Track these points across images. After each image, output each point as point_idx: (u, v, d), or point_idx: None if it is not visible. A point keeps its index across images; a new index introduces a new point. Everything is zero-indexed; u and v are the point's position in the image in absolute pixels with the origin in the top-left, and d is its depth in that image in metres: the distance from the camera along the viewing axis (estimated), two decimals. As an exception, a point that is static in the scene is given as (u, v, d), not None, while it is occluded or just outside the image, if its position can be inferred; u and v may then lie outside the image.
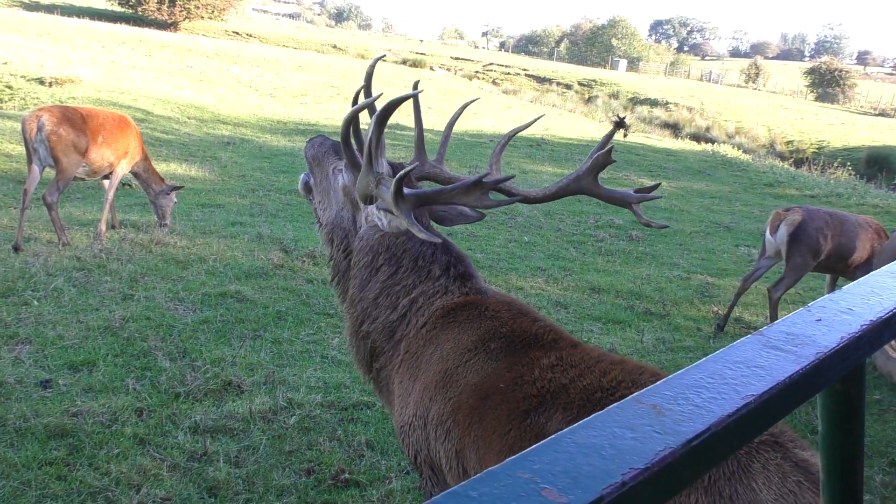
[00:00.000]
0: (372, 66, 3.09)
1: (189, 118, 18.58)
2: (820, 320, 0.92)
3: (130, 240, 8.28)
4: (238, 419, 4.73)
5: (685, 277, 9.41)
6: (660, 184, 3.48)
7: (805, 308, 0.96)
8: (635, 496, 0.60)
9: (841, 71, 69.51)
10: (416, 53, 56.94)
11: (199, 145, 15.60)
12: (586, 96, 47.41)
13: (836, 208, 11.41)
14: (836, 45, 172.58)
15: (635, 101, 45.44)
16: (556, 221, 11.96)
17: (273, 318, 6.50)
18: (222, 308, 6.59)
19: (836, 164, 25.23)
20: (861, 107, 60.56)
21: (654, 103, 44.52)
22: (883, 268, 1.16)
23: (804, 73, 72.24)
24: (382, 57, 3.44)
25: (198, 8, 50.93)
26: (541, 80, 52.44)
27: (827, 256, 7.36)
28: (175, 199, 9.13)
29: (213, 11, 52.33)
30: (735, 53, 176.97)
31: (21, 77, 18.59)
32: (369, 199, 2.90)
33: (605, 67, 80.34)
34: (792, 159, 30.63)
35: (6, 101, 16.53)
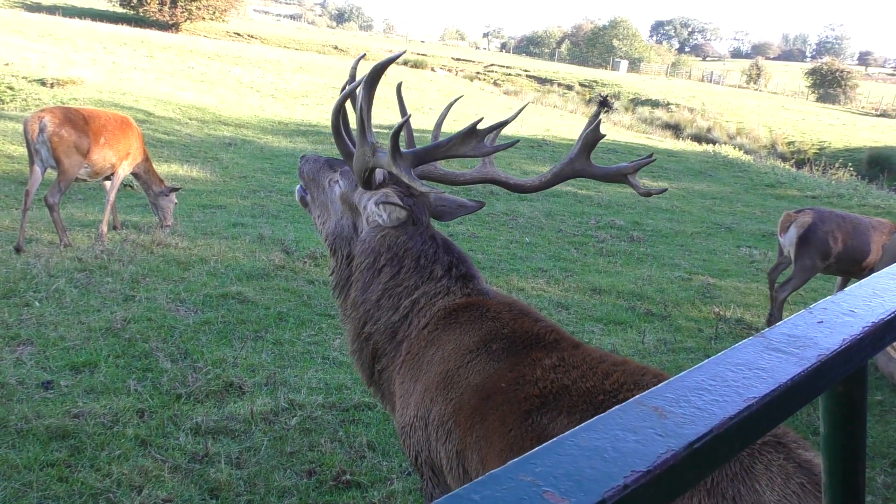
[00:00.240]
0: (355, 64, 3.13)
1: (190, 119, 18.59)
2: (822, 322, 0.92)
3: (132, 241, 8.29)
4: (239, 420, 4.73)
5: (686, 278, 9.41)
6: (653, 153, 3.48)
7: (807, 310, 0.96)
8: (637, 499, 0.60)
9: (842, 71, 69.46)
10: (418, 54, 56.89)
11: (201, 146, 15.61)
12: (587, 97, 47.41)
13: (838, 209, 11.40)
14: (837, 46, 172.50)
15: (636, 102, 45.43)
16: (557, 222, 11.97)
17: (274, 320, 6.50)
18: (223, 309, 6.60)
19: (837, 165, 25.20)
20: (862, 107, 60.54)
21: (655, 104, 44.51)
22: (885, 269, 1.16)
23: (805, 73, 72.21)
24: (363, 56, 3.46)
25: (199, 9, 50.92)
26: (542, 81, 52.44)
27: (838, 259, 7.37)
28: (175, 200, 9.14)
29: (214, 12, 52.33)
30: (736, 54, 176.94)
31: (23, 78, 18.60)
32: (368, 175, 2.90)
33: (606, 68, 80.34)
34: (793, 160, 30.61)
35: (8, 102, 16.55)
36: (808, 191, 18.90)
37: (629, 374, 2.32)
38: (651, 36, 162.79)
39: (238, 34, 54.53)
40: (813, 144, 34.60)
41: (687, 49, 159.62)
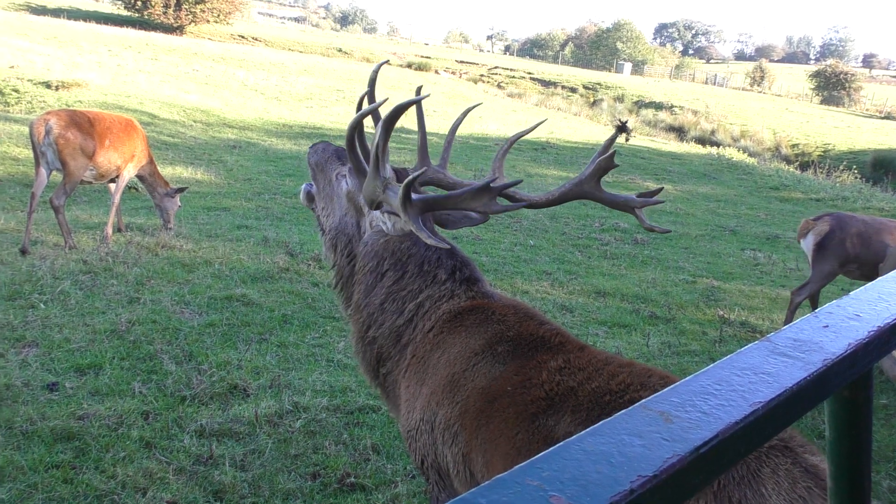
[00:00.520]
0: (375, 72, 3.09)
1: (195, 122, 18.63)
2: (827, 326, 0.92)
3: (136, 243, 8.30)
4: (244, 423, 4.74)
5: (691, 281, 9.40)
6: (662, 188, 3.49)
7: (812, 314, 0.96)
8: (644, 503, 0.60)
9: (846, 74, 69.29)
10: (421, 57, 56.99)
11: (205, 149, 15.64)
12: (591, 100, 47.42)
13: (843, 212, 11.38)
14: (841, 48, 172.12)
15: (640, 105, 45.43)
16: (561, 225, 11.96)
17: (279, 322, 6.51)
18: (228, 311, 6.61)
19: (841, 168, 25.14)
20: (867, 110, 60.40)
21: (658, 106, 44.50)
22: (890, 273, 1.16)
23: (809, 76, 72.05)
24: (386, 62, 3.45)
25: (203, 12, 51.08)
26: (546, 83, 52.48)
27: (860, 264, 7.37)
28: (179, 203, 9.16)
29: (218, 15, 52.47)
30: (740, 56, 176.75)
31: (28, 81, 18.65)
32: (376, 205, 2.91)
33: (609, 71, 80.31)
34: (797, 162, 30.53)
35: (13, 105, 16.59)
36: (813, 193, 18.87)
37: (635, 376, 2.32)
38: (655, 38, 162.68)
39: (242, 37, 54.67)
40: (817, 147, 34.53)
41: (691, 51, 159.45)
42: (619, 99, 47.11)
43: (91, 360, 5.36)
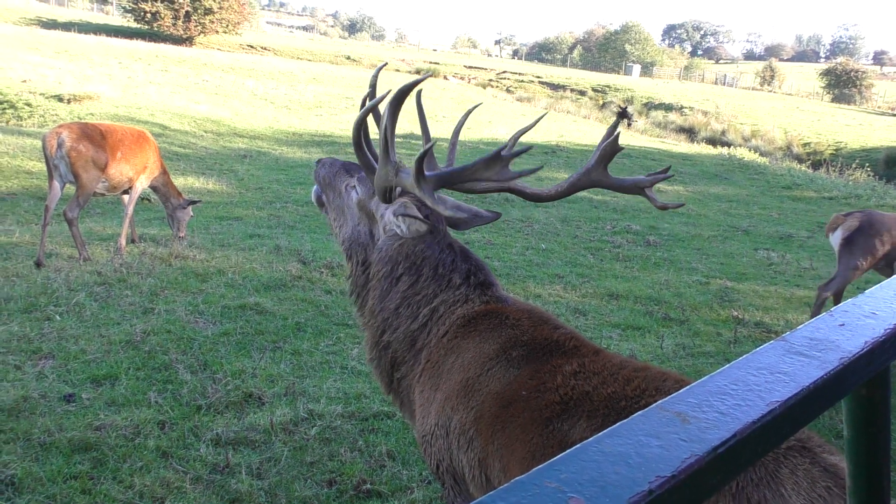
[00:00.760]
0: (375, 75, 3.13)
1: (205, 132, 18.73)
2: (843, 325, 0.92)
3: (150, 254, 8.35)
4: (259, 431, 4.75)
5: (704, 282, 9.36)
6: (670, 167, 3.49)
7: (828, 313, 0.96)
8: (662, 504, 0.60)
9: (857, 71, 68.94)
10: (430, 63, 57.09)
11: (216, 158, 15.72)
12: (600, 102, 47.32)
13: (855, 209, 11.31)
14: (851, 46, 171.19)
15: (650, 106, 45.30)
16: (572, 228, 11.94)
17: (292, 330, 6.52)
18: (242, 320, 6.63)
19: (854, 166, 24.99)
20: (878, 107, 60.06)
21: (668, 108, 44.37)
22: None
23: (820, 74, 71.74)
24: (385, 65, 3.48)
25: (212, 23, 51.38)
26: (554, 86, 52.42)
27: (889, 261, 7.35)
28: (191, 213, 9.21)
29: (227, 26, 52.76)
30: (749, 56, 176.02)
31: (40, 94, 18.82)
32: (389, 193, 2.92)
33: (618, 73, 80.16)
34: (809, 161, 30.39)
35: (26, 119, 16.74)
36: (825, 192, 18.77)
37: (650, 380, 2.31)
38: (663, 40, 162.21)
39: (251, 46, 54.93)
40: (829, 145, 34.36)
41: (699, 52, 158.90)
42: (629, 101, 46.99)
43: (107, 371, 5.39)
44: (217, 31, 52.33)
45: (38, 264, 7.60)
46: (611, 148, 2.97)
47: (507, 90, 50.40)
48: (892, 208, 16.28)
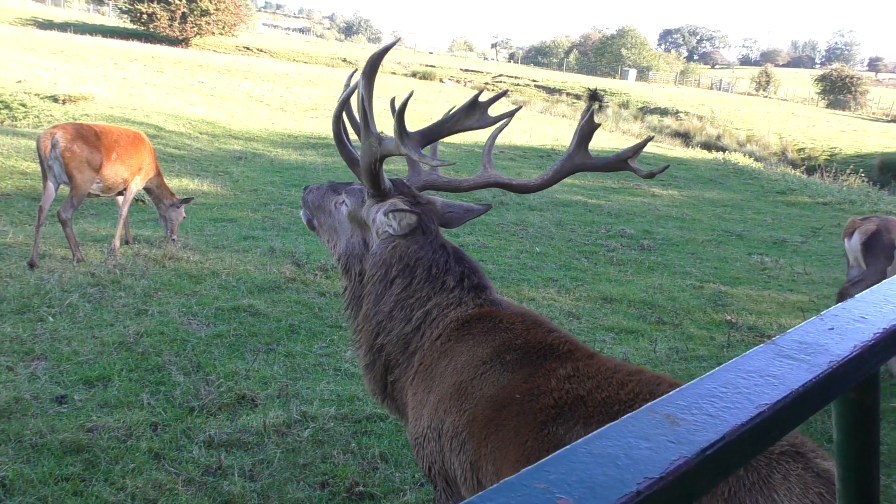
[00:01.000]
0: (350, 77, 3.20)
1: (201, 133, 18.70)
2: (833, 329, 0.92)
3: (144, 255, 8.33)
4: (252, 433, 4.74)
5: (698, 286, 9.38)
6: (652, 136, 3.49)
7: (818, 317, 0.96)
8: (650, 505, 0.60)
9: (852, 77, 69.21)
10: (426, 66, 57.10)
11: (211, 160, 15.69)
12: (596, 106, 47.39)
13: (849, 215, 11.35)
14: (847, 52, 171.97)
15: (645, 111, 45.39)
16: (567, 232, 11.96)
17: (286, 332, 6.51)
18: (235, 322, 6.62)
19: (848, 171, 25.07)
20: (873, 113, 60.27)
21: (664, 112, 44.48)
22: (895, 276, 1.16)
23: (815, 80, 72.00)
24: (356, 71, 3.51)
25: (209, 24, 51.35)
26: (550, 90, 52.48)
27: None
28: (184, 214, 9.19)
29: (223, 27, 52.73)
30: (745, 61, 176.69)
31: (35, 95, 18.77)
32: (376, 166, 2.93)
33: (614, 77, 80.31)
34: (804, 167, 30.50)
35: (20, 119, 16.70)
36: (820, 197, 18.82)
37: (645, 384, 2.31)
38: (659, 44, 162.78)
39: (247, 48, 54.91)
40: (823, 151, 34.47)
41: (695, 57, 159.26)
42: (625, 105, 47.09)
43: (100, 373, 5.37)
44: (213, 33, 52.30)
45: (32, 265, 7.58)
46: (588, 127, 3.01)
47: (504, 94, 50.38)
48: (885, 214, 16.32)
